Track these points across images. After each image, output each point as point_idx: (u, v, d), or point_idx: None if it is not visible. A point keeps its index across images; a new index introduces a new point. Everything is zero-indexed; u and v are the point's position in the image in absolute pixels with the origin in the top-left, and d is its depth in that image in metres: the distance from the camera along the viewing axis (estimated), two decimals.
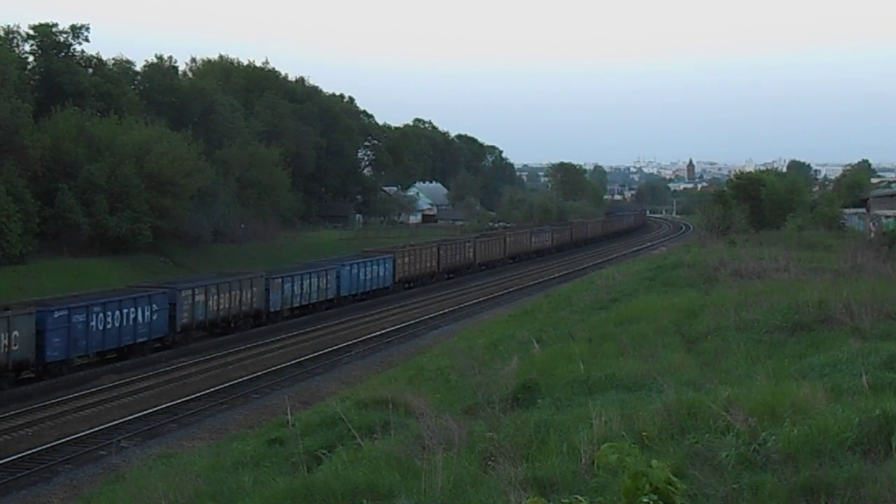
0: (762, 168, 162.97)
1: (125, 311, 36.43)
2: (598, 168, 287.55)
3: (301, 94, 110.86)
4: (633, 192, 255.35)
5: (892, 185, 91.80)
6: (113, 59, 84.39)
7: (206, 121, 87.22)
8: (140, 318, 37.18)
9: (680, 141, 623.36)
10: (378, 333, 43.79)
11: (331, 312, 51.03)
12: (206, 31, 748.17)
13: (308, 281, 49.23)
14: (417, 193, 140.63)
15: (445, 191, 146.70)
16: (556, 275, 70.04)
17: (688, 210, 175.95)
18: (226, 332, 43.14)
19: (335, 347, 40.15)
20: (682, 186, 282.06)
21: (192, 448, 22.04)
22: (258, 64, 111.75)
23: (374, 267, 56.34)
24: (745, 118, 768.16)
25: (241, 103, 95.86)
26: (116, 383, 32.62)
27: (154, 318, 37.89)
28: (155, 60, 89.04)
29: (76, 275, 55.13)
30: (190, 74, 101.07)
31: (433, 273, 65.57)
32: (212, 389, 31.78)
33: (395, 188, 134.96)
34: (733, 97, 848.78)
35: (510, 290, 61.39)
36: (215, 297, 41.86)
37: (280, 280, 47.08)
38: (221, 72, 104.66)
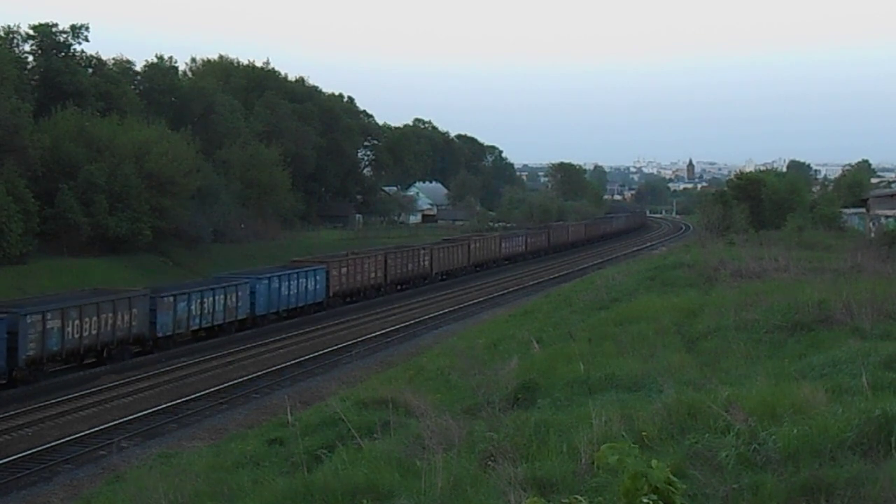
0: (762, 168, 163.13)
1: None
2: (598, 168, 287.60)
3: (301, 94, 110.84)
4: (632, 192, 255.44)
5: (892, 185, 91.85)
6: (113, 59, 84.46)
7: (205, 121, 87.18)
8: None
9: (680, 141, 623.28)
10: (378, 333, 43.79)
11: (331, 312, 50.97)
12: (206, 32, 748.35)
13: (211, 298, 41.52)
14: (417, 193, 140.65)
15: (445, 191, 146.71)
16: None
17: (687, 210, 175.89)
18: (98, 364, 35.67)
19: (335, 347, 40.15)
20: (681, 186, 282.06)
21: (192, 448, 22.05)
22: (258, 64, 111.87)
23: (301, 280, 48.69)
24: (745, 118, 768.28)
25: (241, 103, 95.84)
26: (116, 383, 32.62)
27: None
28: (155, 60, 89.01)
29: (76, 275, 55.10)
30: (190, 74, 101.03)
31: (378, 286, 57.77)
32: (212, 389, 31.78)
33: (395, 188, 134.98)
34: (733, 97, 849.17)
35: (510, 289, 61.37)
36: (77, 321, 33.95)
37: (171, 299, 39.21)
38: (221, 72, 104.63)
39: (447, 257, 68.58)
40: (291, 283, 47.84)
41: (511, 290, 61.70)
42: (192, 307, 40.44)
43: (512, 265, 79.06)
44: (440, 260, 66.91)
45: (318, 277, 50.25)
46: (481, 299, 56.57)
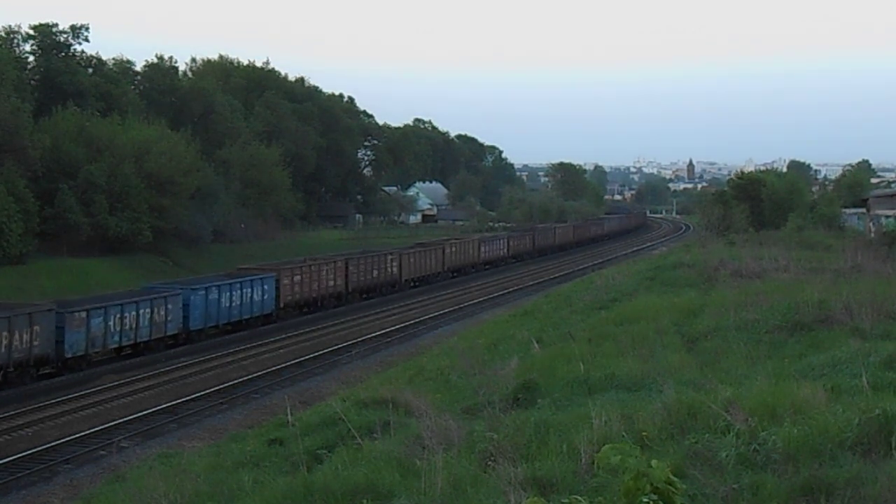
0: (762, 168, 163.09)
1: None
2: (598, 168, 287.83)
3: (301, 94, 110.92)
4: (633, 192, 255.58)
5: (892, 185, 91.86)
6: (113, 59, 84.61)
7: (205, 121, 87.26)
8: None
9: (680, 141, 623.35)
10: (378, 333, 43.78)
11: (331, 312, 50.98)
12: (207, 33, 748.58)
13: (134, 313, 36.75)
14: (417, 193, 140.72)
15: (445, 191, 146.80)
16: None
17: (688, 210, 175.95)
18: None
19: (335, 347, 40.15)
20: (682, 186, 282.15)
21: (192, 448, 22.04)
22: (258, 64, 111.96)
23: (246, 290, 43.82)
24: (745, 118, 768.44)
25: (241, 103, 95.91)
26: (116, 383, 32.62)
27: None
28: (155, 60, 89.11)
29: (76, 275, 55.16)
30: (190, 74, 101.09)
31: (338, 295, 52.77)
32: (212, 389, 31.78)
33: (395, 188, 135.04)
34: (733, 97, 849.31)
35: (510, 289, 61.38)
36: None
37: (83, 314, 34.34)
38: (221, 72, 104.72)
39: (418, 263, 63.25)
40: (234, 293, 43.01)
41: (511, 289, 61.37)
42: (111, 323, 35.57)
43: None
44: (410, 266, 61.78)
45: (266, 287, 45.27)
46: (482, 299, 56.43)
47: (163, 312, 38.22)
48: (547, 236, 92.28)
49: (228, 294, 42.69)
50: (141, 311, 37.21)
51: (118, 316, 36.07)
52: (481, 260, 74.28)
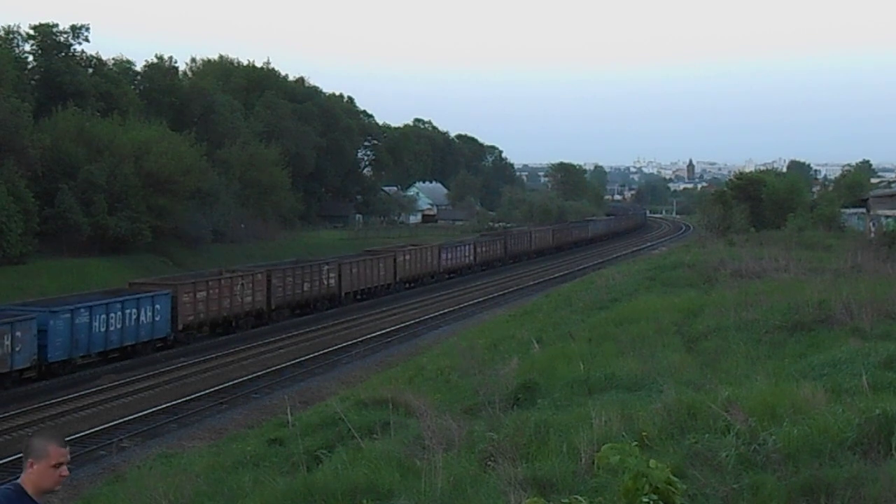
0: (762, 168, 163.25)
1: None
2: (598, 168, 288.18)
3: (301, 94, 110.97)
4: (633, 192, 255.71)
5: (892, 185, 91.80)
6: (113, 59, 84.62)
7: (206, 121, 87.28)
8: None
9: (680, 141, 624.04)
10: (378, 333, 43.78)
11: (331, 312, 50.95)
12: (207, 33, 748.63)
13: None
14: (417, 193, 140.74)
15: (445, 191, 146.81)
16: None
17: (688, 210, 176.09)
18: None
19: (335, 347, 40.16)
20: (681, 186, 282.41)
21: (192, 448, 22.05)
22: (258, 64, 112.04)
23: (131, 310, 36.41)
24: (745, 118, 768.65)
25: (241, 103, 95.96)
26: (116, 383, 32.62)
27: None
28: (155, 60, 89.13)
29: (76, 275, 55.17)
30: (190, 74, 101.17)
31: (258, 312, 45.51)
32: (212, 389, 31.79)
33: (395, 188, 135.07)
34: (733, 97, 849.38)
35: (510, 289, 61.37)
36: None
37: None
38: (221, 72, 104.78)
39: (364, 273, 55.37)
40: (113, 314, 35.52)
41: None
42: None
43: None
44: (353, 277, 53.96)
45: (158, 306, 38.00)
46: (482, 299, 56.37)
47: (7, 342, 30.28)
48: (521, 241, 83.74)
49: (104, 316, 35.12)
50: None
51: None
52: (443, 269, 66.78)
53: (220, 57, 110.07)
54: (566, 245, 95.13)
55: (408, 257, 62.06)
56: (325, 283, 51.29)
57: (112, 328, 35.61)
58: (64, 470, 5.43)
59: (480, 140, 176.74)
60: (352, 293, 54.28)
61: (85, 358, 35.12)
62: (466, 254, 71.94)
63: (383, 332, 44.34)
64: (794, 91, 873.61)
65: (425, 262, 64.43)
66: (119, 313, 35.98)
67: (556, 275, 69.24)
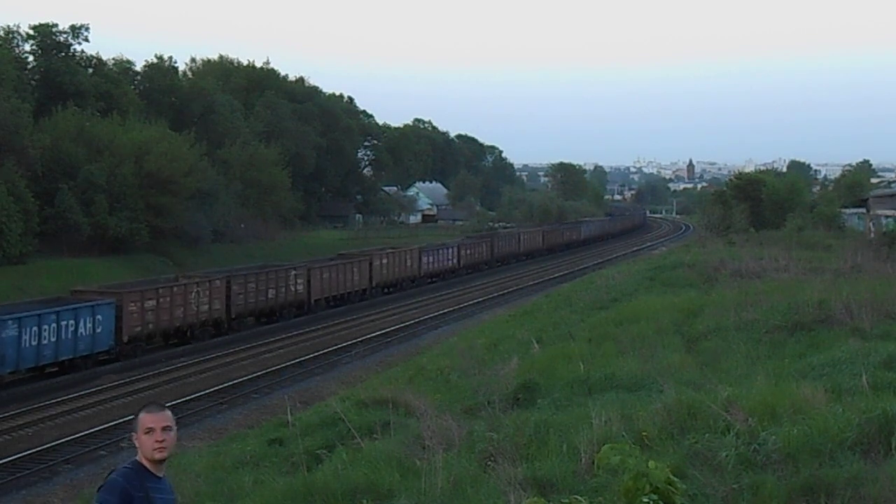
0: (762, 168, 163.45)
1: None
2: (598, 168, 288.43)
3: (301, 94, 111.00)
4: (633, 192, 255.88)
5: (892, 185, 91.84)
6: (113, 59, 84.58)
7: (205, 121, 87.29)
8: None
9: (680, 141, 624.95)
10: (378, 333, 43.77)
11: (331, 312, 50.91)
12: (207, 33, 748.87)
13: None
14: (417, 193, 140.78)
15: (445, 191, 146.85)
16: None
17: (688, 210, 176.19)
18: None
19: (335, 347, 40.14)
20: (681, 186, 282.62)
21: (192, 448, 22.04)
22: (258, 64, 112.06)
23: (65, 322, 32.69)
24: (745, 118, 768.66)
25: (241, 103, 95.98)
26: (116, 383, 32.61)
27: None
28: (155, 60, 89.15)
29: (76, 275, 55.14)
30: (190, 74, 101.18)
31: (216, 321, 42.44)
32: (212, 389, 31.76)
33: (395, 188, 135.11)
34: (733, 97, 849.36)
35: (509, 290, 61.33)
36: None
37: None
38: (221, 72, 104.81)
39: (335, 279, 52.05)
40: (45, 326, 31.81)
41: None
42: None
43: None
44: (323, 283, 50.77)
45: (99, 317, 34.35)
46: (481, 299, 56.31)
47: None
48: (509, 243, 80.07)
49: (36, 328, 31.44)
50: None
51: None
52: (423, 273, 63.64)
53: (220, 57, 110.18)
54: (557, 247, 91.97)
55: (385, 261, 58.62)
56: (293, 289, 48.15)
57: (45, 342, 31.81)
58: (158, 434, 5.57)
59: (480, 140, 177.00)
60: (322, 300, 51.06)
61: (14, 374, 31.48)
62: (449, 257, 68.24)
63: (383, 331, 44.33)
64: (794, 91, 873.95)
65: (404, 265, 61.28)
66: (54, 325, 32.20)
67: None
